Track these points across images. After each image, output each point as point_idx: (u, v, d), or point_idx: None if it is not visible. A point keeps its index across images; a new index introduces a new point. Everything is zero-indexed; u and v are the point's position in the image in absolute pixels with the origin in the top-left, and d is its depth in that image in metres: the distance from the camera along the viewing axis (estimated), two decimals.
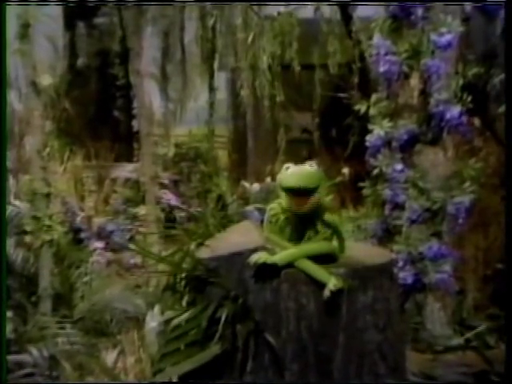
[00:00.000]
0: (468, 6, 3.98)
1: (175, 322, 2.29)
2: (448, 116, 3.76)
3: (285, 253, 2.19)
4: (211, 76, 7.18)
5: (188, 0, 6.63)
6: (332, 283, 2.10)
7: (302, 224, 2.23)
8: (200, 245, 2.53)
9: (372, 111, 3.99)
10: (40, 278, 4.69)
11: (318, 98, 6.62)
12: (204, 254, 2.38)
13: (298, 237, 2.23)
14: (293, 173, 2.14)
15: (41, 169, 4.74)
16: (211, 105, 7.23)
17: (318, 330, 2.15)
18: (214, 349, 2.16)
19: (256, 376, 2.18)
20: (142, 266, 5.04)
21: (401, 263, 3.74)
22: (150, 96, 6.41)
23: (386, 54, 3.84)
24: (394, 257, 3.16)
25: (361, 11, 5.95)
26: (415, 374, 3.25)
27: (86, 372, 3.52)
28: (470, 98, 3.76)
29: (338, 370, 2.17)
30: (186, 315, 2.27)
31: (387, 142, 3.94)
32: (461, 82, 3.81)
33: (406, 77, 3.91)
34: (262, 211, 4.62)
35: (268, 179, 6.78)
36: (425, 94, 3.88)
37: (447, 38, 3.69)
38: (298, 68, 6.45)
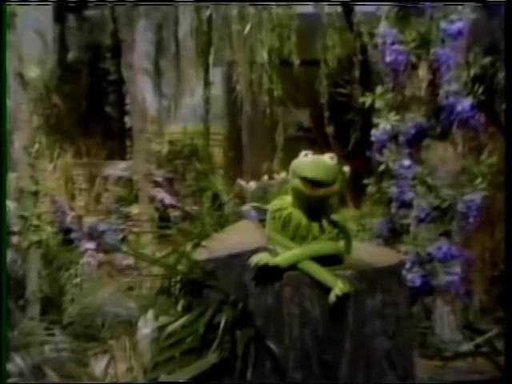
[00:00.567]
0: None
1: (170, 328, 2.19)
2: (458, 109, 3.66)
3: (287, 254, 2.07)
4: (206, 71, 7.10)
5: None
6: (338, 288, 2.00)
7: (308, 216, 2.12)
8: (196, 246, 2.45)
9: (377, 104, 3.90)
10: (28, 280, 4.49)
11: (318, 93, 6.50)
12: (201, 255, 2.31)
13: (302, 232, 2.12)
14: (312, 162, 2.05)
15: (29, 166, 4.59)
16: (206, 100, 7.17)
17: (323, 336, 2.06)
18: (212, 357, 2.06)
19: None
20: (136, 268, 4.94)
21: (408, 265, 3.65)
22: (143, 91, 6.31)
23: (393, 43, 3.74)
24: (403, 258, 3.16)
25: (362, 6, 5.87)
26: (424, 382, 3.14)
27: (74, 381, 3.38)
28: (481, 90, 3.68)
29: (343, 380, 2.09)
30: (181, 321, 2.17)
31: (394, 137, 3.87)
32: (472, 72, 3.70)
33: (414, 67, 3.82)
34: (259, 210, 4.55)
35: (265, 177, 6.69)
36: (434, 85, 3.79)
37: (458, 25, 3.57)
38: (297, 62, 6.34)
